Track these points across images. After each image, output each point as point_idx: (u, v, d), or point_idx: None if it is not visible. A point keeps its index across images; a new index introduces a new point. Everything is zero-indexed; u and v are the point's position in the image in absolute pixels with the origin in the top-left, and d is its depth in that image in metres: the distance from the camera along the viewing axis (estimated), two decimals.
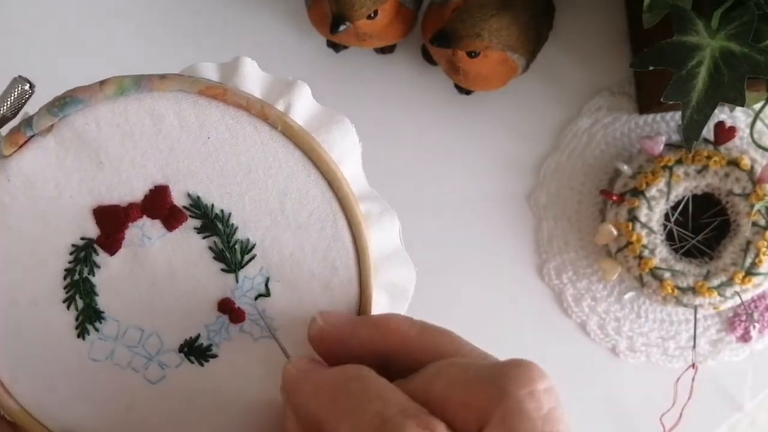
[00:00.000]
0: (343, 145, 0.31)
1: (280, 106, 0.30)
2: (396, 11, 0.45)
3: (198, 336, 0.31)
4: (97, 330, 0.31)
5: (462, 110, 0.52)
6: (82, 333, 0.31)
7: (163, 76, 0.29)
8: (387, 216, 0.31)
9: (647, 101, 0.51)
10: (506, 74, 0.46)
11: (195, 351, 0.31)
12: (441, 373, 0.24)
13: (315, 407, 0.25)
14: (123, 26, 0.52)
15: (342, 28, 0.43)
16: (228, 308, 0.31)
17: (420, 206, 0.53)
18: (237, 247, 0.30)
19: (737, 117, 0.51)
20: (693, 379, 0.51)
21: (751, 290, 0.48)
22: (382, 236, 0.31)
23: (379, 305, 0.32)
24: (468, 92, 0.51)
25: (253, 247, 0.30)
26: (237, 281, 0.31)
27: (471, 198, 0.52)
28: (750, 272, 0.47)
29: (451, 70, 0.47)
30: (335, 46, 0.51)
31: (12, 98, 0.29)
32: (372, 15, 0.43)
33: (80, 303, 0.31)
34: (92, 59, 0.52)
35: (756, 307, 0.51)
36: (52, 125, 0.29)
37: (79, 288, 0.30)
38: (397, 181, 0.52)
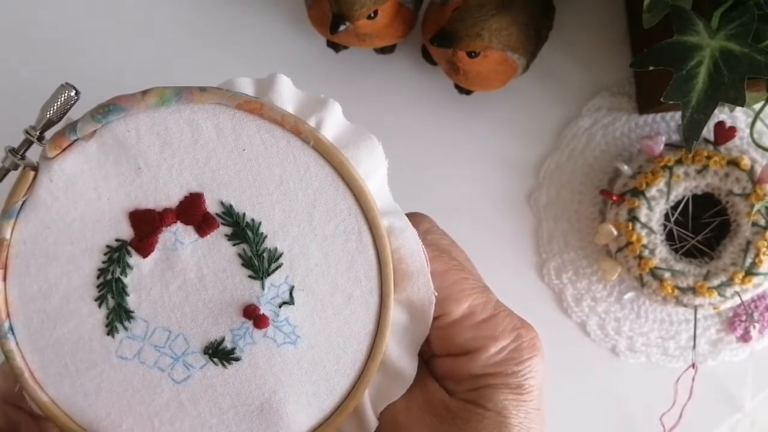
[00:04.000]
0: (369, 161, 0.33)
1: (311, 122, 0.32)
2: (396, 11, 0.45)
3: (223, 339, 0.32)
4: (126, 329, 0.32)
5: (462, 110, 0.52)
6: (111, 331, 0.32)
7: (203, 89, 0.31)
8: (409, 232, 0.33)
9: (647, 101, 0.51)
10: (506, 74, 0.47)
11: (219, 353, 0.33)
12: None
13: None
14: (125, 25, 0.52)
15: (342, 28, 0.43)
16: (253, 314, 0.32)
17: (420, 206, 0.53)
18: (265, 255, 0.32)
19: (737, 117, 0.51)
20: (693, 379, 0.51)
21: (751, 290, 0.48)
22: (404, 252, 0.33)
23: (398, 322, 0.33)
24: (468, 92, 0.51)
25: (280, 255, 0.32)
26: (263, 288, 0.32)
27: (471, 198, 0.52)
28: (750, 272, 0.48)
29: (451, 70, 0.47)
30: (335, 46, 0.51)
31: (58, 103, 0.31)
32: (372, 15, 0.44)
33: (111, 302, 0.32)
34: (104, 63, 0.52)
35: (756, 307, 0.51)
36: (95, 131, 0.31)
37: (111, 287, 0.32)
38: (397, 181, 0.52)
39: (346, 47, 0.52)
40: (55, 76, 0.34)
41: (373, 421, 0.34)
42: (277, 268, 0.32)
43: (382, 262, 0.32)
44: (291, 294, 0.32)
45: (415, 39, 0.51)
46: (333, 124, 0.32)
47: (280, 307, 0.32)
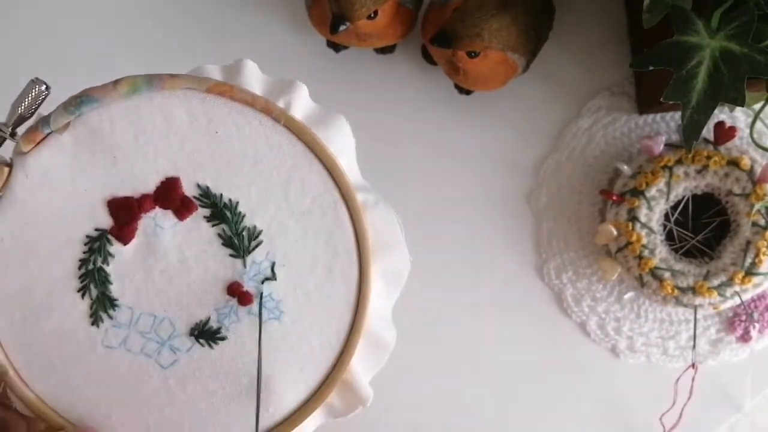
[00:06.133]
0: (339, 139, 0.34)
1: (280, 104, 0.33)
2: (396, 11, 0.45)
3: (208, 319, 0.33)
4: (110, 317, 0.33)
5: (462, 110, 0.52)
6: (96, 321, 0.33)
7: (173, 76, 0.31)
8: (382, 205, 0.34)
9: (647, 101, 0.51)
10: (506, 74, 0.47)
11: (205, 334, 0.33)
12: None
13: None
14: (127, 28, 0.53)
15: (342, 28, 0.43)
16: (237, 292, 0.33)
17: (420, 206, 0.53)
18: (244, 233, 0.33)
19: (737, 117, 0.51)
20: (693, 379, 0.51)
21: (751, 290, 0.48)
22: (379, 224, 0.34)
23: (377, 292, 0.34)
24: (468, 92, 0.51)
25: (259, 233, 0.33)
26: (245, 266, 0.33)
27: (471, 198, 0.52)
28: (750, 272, 0.48)
29: (451, 70, 0.47)
30: (335, 46, 0.51)
31: (29, 99, 0.31)
32: (372, 15, 0.44)
33: (94, 291, 0.32)
34: (101, 61, 0.52)
35: (756, 307, 0.51)
36: (68, 123, 0.31)
37: (93, 277, 0.32)
38: (397, 181, 0.52)
39: (346, 47, 0.52)
40: (27, 70, 0.34)
41: (367, 391, 0.35)
42: (257, 246, 0.33)
43: (359, 235, 0.33)
44: (272, 270, 0.33)
45: (415, 39, 0.51)
46: (301, 105, 0.33)
47: (262, 283, 0.33)
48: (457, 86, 0.52)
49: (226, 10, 0.53)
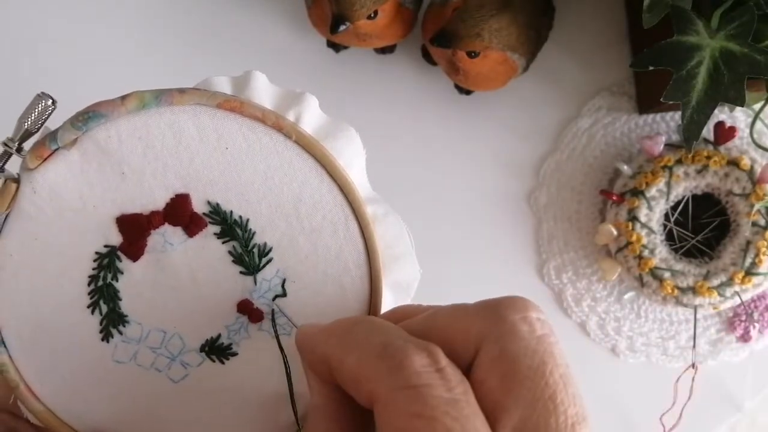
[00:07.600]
0: (349, 152, 0.33)
1: (290, 117, 0.32)
2: (396, 11, 0.45)
3: (219, 336, 0.33)
4: (120, 333, 0.32)
5: (462, 110, 0.52)
6: (106, 336, 0.32)
7: (182, 91, 0.31)
8: (392, 217, 0.33)
9: (647, 101, 0.51)
10: (506, 74, 0.47)
11: (216, 350, 0.33)
12: (439, 312, 0.26)
13: (324, 349, 0.26)
14: (124, 31, 0.53)
15: (342, 28, 0.43)
16: (247, 309, 0.33)
17: (420, 206, 0.53)
18: (255, 250, 0.32)
19: (737, 117, 0.51)
20: (693, 379, 0.51)
21: (751, 290, 0.48)
22: (388, 237, 0.33)
23: (385, 303, 0.34)
24: (468, 92, 0.51)
25: (270, 250, 0.32)
26: (255, 283, 0.32)
27: (471, 198, 0.52)
28: (750, 272, 0.48)
29: (451, 70, 0.47)
30: (335, 46, 0.51)
31: (35, 113, 0.31)
32: (372, 15, 0.44)
33: (104, 307, 0.32)
34: (100, 69, 0.52)
35: (756, 307, 0.51)
36: (75, 139, 0.31)
37: (103, 293, 0.32)
38: (397, 182, 0.52)
39: (346, 47, 0.51)
40: (34, 85, 0.33)
41: None
42: (267, 263, 0.32)
43: (369, 250, 0.33)
44: (283, 287, 0.32)
45: (415, 39, 0.51)
46: (311, 117, 0.33)
47: (273, 300, 0.32)
48: (457, 86, 0.52)
49: (226, 11, 0.53)
